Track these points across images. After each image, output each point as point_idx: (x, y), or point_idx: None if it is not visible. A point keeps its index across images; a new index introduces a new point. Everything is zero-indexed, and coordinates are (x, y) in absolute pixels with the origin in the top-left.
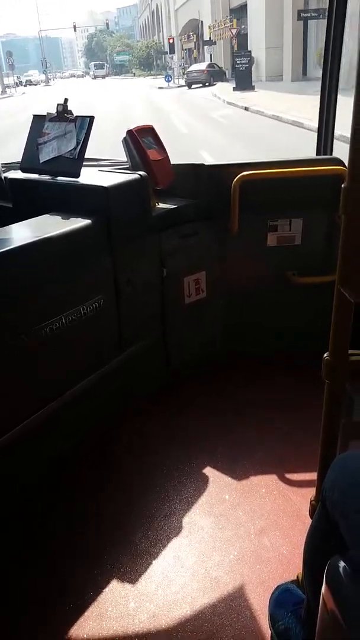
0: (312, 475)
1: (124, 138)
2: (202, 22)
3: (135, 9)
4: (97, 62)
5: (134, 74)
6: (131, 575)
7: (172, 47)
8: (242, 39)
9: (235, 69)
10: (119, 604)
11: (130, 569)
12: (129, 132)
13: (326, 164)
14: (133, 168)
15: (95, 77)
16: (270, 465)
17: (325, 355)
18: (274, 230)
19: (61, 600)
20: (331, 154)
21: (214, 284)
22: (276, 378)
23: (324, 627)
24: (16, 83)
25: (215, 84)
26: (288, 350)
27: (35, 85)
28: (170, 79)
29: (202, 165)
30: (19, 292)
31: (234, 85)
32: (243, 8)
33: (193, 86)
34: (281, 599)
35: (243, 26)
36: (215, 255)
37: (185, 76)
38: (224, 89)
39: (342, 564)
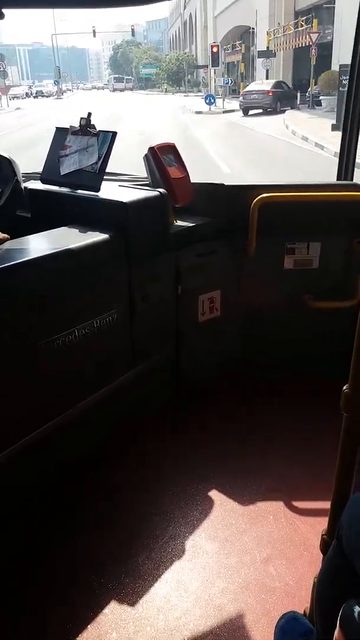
0: (322, 505)
1: (146, 155)
2: (252, 29)
3: (165, 23)
4: (117, 76)
5: (165, 89)
6: (132, 598)
7: (215, 58)
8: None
9: (338, 93)
10: (119, 626)
11: (132, 591)
12: (151, 149)
13: (346, 189)
14: (153, 185)
15: (114, 89)
16: (280, 492)
17: (344, 387)
18: (291, 253)
19: (60, 619)
20: (352, 180)
21: (228, 304)
22: (290, 402)
23: None
24: (27, 93)
25: (284, 111)
26: (303, 374)
27: (47, 97)
28: (212, 100)
29: (222, 185)
30: (34, 303)
31: (330, 120)
32: (316, 9)
33: (250, 112)
34: (287, 627)
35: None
36: (231, 275)
37: (241, 98)
38: (305, 121)
39: (357, 609)
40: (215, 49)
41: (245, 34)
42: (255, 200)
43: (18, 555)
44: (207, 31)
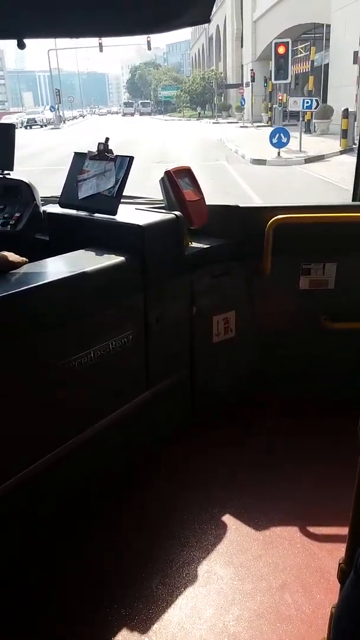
0: (339, 530)
1: (162, 178)
2: (313, 32)
3: (186, 45)
4: (127, 101)
5: (184, 114)
6: (146, 624)
7: (281, 65)
8: None
9: None
10: None
11: (145, 617)
12: (167, 172)
13: None
14: (169, 207)
15: (124, 114)
16: (296, 517)
17: None
18: (306, 274)
19: None
20: None
21: (243, 324)
22: (306, 425)
23: None
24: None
25: None
26: (320, 396)
27: (42, 126)
28: (285, 138)
29: (236, 207)
30: (50, 325)
31: None
32: None
33: None
34: None
35: None
36: (245, 295)
37: None
38: None
39: None
40: (282, 50)
41: (299, 39)
42: (270, 221)
43: (29, 580)
44: (240, 42)
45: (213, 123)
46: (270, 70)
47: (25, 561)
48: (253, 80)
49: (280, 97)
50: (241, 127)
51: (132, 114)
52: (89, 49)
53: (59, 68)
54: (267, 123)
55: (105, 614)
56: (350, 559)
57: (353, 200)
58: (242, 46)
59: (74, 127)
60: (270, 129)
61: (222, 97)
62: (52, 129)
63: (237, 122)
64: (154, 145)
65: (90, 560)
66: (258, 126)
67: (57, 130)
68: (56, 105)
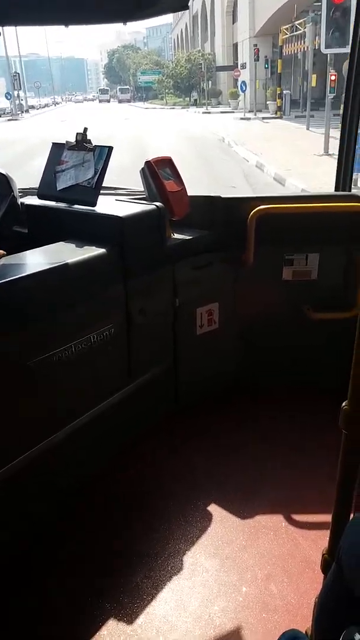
0: (323, 518)
1: (142, 169)
2: None
3: (167, 28)
4: (102, 88)
5: (167, 101)
6: (131, 618)
7: (340, 30)
8: None
9: None
10: None
11: (131, 612)
12: (147, 163)
13: (344, 200)
14: (150, 199)
15: (100, 101)
16: (280, 507)
17: (343, 404)
18: (289, 264)
19: None
20: (350, 191)
21: (226, 316)
22: (289, 414)
23: None
24: None
25: None
26: (303, 385)
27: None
28: None
29: (219, 197)
30: (29, 319)
31: None
32: None
33: None
34: None
35: None
36: (228, 287)
37: None
38: None
39: (358, 636)
40: None
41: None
42: (252, 212)
43: (14, 577)
44: (232, 18)
45: (203, 113)
46: (274, 50)
47: (9, 558)
48: (257, 59)
49: (332, 76)
50: (241, 118)
51: (108, 101)
52: (59, 31)
53: (19, 51)
54: (276, 114)
55: (91, 609)
56: (333, 549)
57: (335, 190)
58: (234, 22)
59: (37, 117)
60: (284, 123)
61: (216, 82)
62: (8, 120)
63: (233, 112)
64: (135, 141)
65: (74, 554)
66: (264, 118)
67: (14, 123)
68: (15, 93)
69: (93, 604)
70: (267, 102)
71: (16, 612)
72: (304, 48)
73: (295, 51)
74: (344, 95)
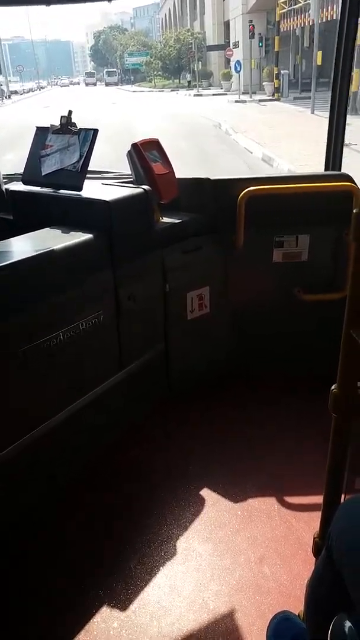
0: (316, 500)
1: (129, 151)
2: None
3: (155, 8)
4: (89, 72)
5: (155, 83)
6: (125, 604)
7: None
8: None
9: None
10: (111, 636)
11: (124, 598)
12: (134, 145)
13: (334, 180)
14: (137, 182)
15: (87, 84)
16: (273, 490)
17: (332, 387)
18: (280, 246)
19: (51, 629)
20: (339, 170)
21: (217, 300)
22: (281, 398)
23: None
24: None
25: None
26: (294, 369)
27: None
28: None
29: (207, 179)
30: (16, 307)
31: None
32: None
33: None
34: (280, 629)
35: None
36: (219, 270)
37: None
38: None
39: (348, 624)
40: None
41: None
42: (242, 193)
43: (6, 565)
44: None
45: (194, 95)
46: (268, 26)
47: (2, 547)
48: (252, 36)
49: None
50: (236, 101)
51: (95, 84)
52: (43, 12)
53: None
54: (274, 96)
55: (84, 596)
56: (324, 533)
57: (325, 169)
58: None
59: (19, 103)
60: (283, 105)
61: (206, 62)
62: None
63: (226, 94)
64: (113, 134)
65: (68, 542)
66: (260, 100)
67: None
68: None
69: (86, 590)
70: (263, 83)
71: (6, 600)
72: (303, 23)
73: (294, 27)
74: (332, 71)
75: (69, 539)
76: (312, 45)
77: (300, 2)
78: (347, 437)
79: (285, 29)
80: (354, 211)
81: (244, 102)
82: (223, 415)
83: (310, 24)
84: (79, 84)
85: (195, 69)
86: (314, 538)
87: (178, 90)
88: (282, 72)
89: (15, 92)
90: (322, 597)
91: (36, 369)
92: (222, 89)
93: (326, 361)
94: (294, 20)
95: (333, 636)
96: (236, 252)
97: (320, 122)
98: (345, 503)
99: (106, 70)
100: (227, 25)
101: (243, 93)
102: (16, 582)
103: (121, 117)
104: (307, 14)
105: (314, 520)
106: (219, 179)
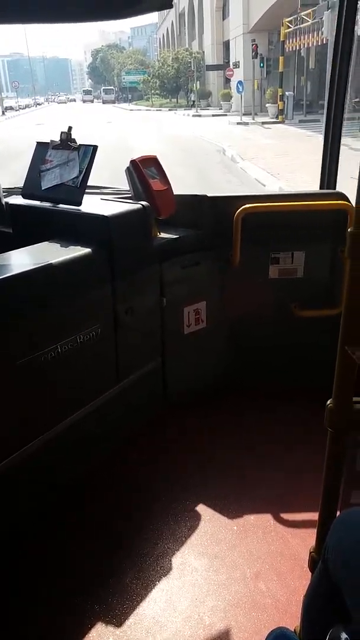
0: (312, 516)
1: (127, 168)
2: None
3: (153, 28)
4: (86, 89)
5: (153, 102)
6: (120, 620)
7: None
8: None
9: None
10: None
11: (120, 613)
12: (133, 162)
13: (329, 198)
14: (136, 198)
15: (84, 101)
16: (269, 505)
17: (328, 402)
18: (275, 263)
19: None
20: (334, 188)
21: (214, 315)
22: (277, 413)
23: None
24: None
25: None
26: (291, 383)
27: None
28: None
29: (204, 196)
30: (15, 319)
31: None
32: None
33: None
34: None
35: None
36: (216, 285)
37: None
38: None
39: (344, 635)
40: None
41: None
42: (238, 211)
43: (2, 577)
44: (222, 13)
45: (193, 115)
46: (270, 47)
47: None
48: (256, 56)
49: None
50: (238, 123)
51: (92, 101)
52: (42, 30)
53: None
54: (278, 118)
55: (79, 610)
56: (320, 547)
57: (320, 187)
58: (224, 18)
59: (12, 120)
60: (288, 128)
61: (204, 82)
62: None
63: (226, 115)
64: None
65: (63, 555)
66: (264, 123)
67: None
68: None
69: (82, 605)
70: (266, 105)
71: (3, 613)
72: (309, 43)
73: (299, 47)
74: (327, 91)
75: (62, 549)
76: (318, 65)
77: (308, 21)
78: (342, 452)
79: (290, 49)
80: (349, 230)
81: (246, 124)
82: (218, 429)
83: (320, 43)
84: (75, 100)
85: (195, 89)
86: (310, 552)
87: (176, 109)
88: (286, 93)
89: (11, 108)
90: (318, 608)
91: (34, 381)
92: (221, 109)
93: (322, 375)
94: (299, 40)
95: None
96: (232, 268)
97: None
98: (341, 516)
99: (103, 88)
100: (226, 45)
101: (244, 114)
102: (9, 595)
103: (115, 142)
104: (313, 33)
105: (310, 536)
106: (216, 196)
